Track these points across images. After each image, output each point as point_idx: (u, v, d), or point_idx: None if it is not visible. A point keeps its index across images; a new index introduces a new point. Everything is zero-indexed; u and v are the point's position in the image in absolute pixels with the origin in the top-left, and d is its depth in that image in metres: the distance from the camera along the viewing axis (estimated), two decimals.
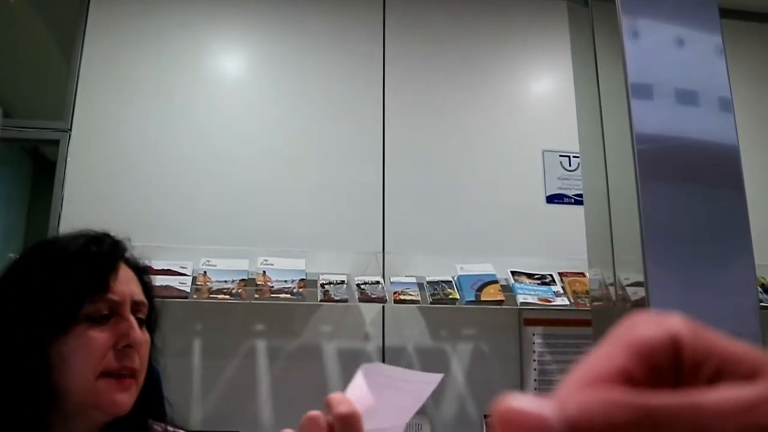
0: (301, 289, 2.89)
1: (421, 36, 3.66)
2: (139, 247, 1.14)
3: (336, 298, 2.89)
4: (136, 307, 1.06)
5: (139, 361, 1.03)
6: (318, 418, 0.67)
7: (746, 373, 0.24)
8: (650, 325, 0.26)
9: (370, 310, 3.18)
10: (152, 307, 1.14)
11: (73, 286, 1.00)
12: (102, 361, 0.98)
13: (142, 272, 1.14)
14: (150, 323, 1.13)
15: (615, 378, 0.26)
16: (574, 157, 3.55)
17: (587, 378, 0.26)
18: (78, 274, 1.02)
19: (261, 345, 3.07)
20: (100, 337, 0.99)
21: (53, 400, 0.97)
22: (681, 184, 1.25)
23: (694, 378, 0.25)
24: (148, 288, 1.13)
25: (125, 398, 1.00)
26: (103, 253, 1.06)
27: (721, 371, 0.25)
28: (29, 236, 4.91)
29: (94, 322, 1.00)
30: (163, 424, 1.16)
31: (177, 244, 3.02)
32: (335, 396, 0.66)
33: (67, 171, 3.15)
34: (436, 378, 0.75)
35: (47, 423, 0.97)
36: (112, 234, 1.12)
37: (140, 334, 1.03)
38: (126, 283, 1.06)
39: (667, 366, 0.25)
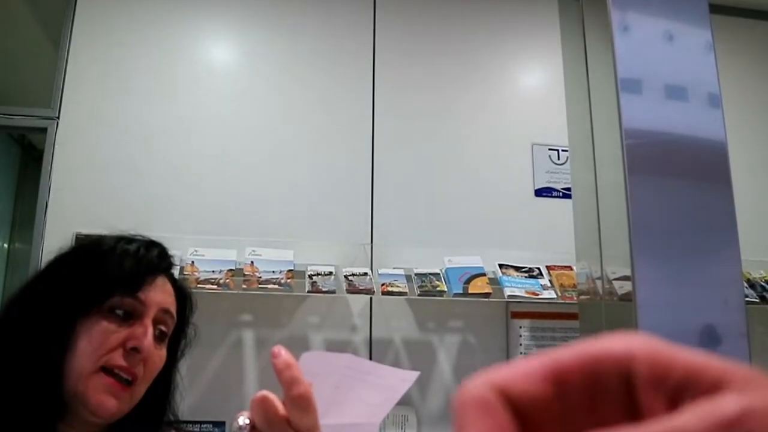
0: (288, 280, 2.89)
1: (411, 29, 3.65)
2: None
3: (324, 290, 2.89)
4: (162, 316, 1.06)
5: (144, 372, 1.02)
6: (269, 398, 0.66)
7: (709, 386, 0.23)
8: (612, 340, 0.26)
9: (358, 302, 3.18)
10: (184, 333, 1.15)
11: (108, 275, 1.02)
12: (105, 355, 0.98)
13: (185, 296, 1.16)
14: (176, 346, 1.14)
15: (548, 373, 0.26)
16: (563, 150, 3.55)
17: (528, 366, 0.26)
18: (118, 267, 1.03)
19: (248, 335, 3.07)
20: (112, 334, 0.99)
21: (59, 377, 0.96)
22: (669, 179, 1.26)
23: (655, 394, 0.24)
24: (185, 312, 1.15)
25: (112, 403, 0.98)
26: (149, 258, 1.07)
27: (683, 385, 0.24)
28: (16, 224, 4.89)
29: (115, 317, 1.00)
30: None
31: (164, 233, 2.97)
32: (289, 375, 0.65)
33: (54, 159, 3.13)
34: (411, 375, 0.73)
35: (52, 404, 0.96)
36: (165, 247, 1.14)
37: (151, 343, 1.02)
38: (159, 291, 1.06)
39: (613, 383, 0.25)
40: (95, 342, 0.98)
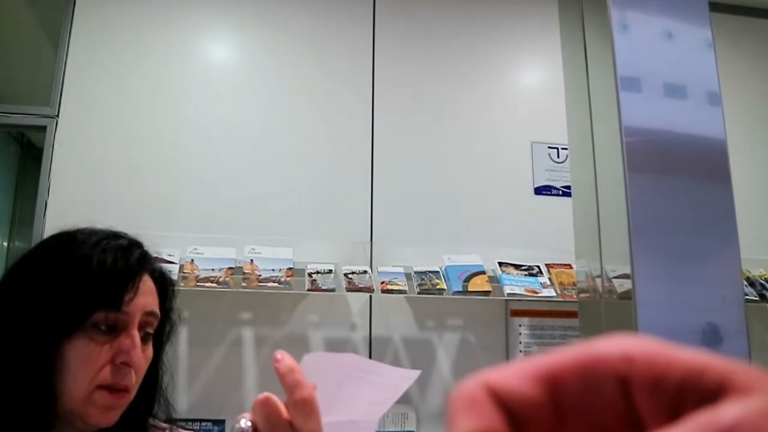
0: (288, 278, 2.89)
1: (411, 27, 3.65)
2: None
3: (323, 288, 2.89)
4: (146, 319, 1.03)
5: (135, 379, 1.01)
6: (271, 401, 0.66)
7: (711, 388, 0.23)
8: (608, 342, 0.25)
9: (357, 300, 3.18)
10: (168, 319, 1.12)
11: (88, 294, 0.97)
12: (98, 375, 0.96)
13: (166, 285, 1.12)
14: (161, 336, 1.11)
15: (541, 375, 0.26)
16: (562, 148, 3.55)
17: (521, 368, 0.26)
18: (97, 283, 0.99)
19: (248, 333, 3.07)
20: (100, 351, 0.97)
21: (52, 399, 0.95)
22: (669, 178, 1.26)
23: (653, 399, 0.24)
24: (167, 301, 1.11)
25: (113, 415, 0.98)
26: (129, 267, 1.02)
27: (683, 389, 0.23)
28: (15, 222, 4.89)
29: (99, 332, 0.98)
30: (168, 425, 1.14)
31: (164, 231, 3.00)
32: (292, 379, 0.65)
33: (54, 157, 3.13)
34: (412, 374, 0.74)
35: (44, 422, 0.96)
36: (143, 244, 1.09)
37: (140, 355, 1.00)
38: (142, 295, 1.02)
39: (610, 387, 0.25)
40: (85, 364, 0.96)
